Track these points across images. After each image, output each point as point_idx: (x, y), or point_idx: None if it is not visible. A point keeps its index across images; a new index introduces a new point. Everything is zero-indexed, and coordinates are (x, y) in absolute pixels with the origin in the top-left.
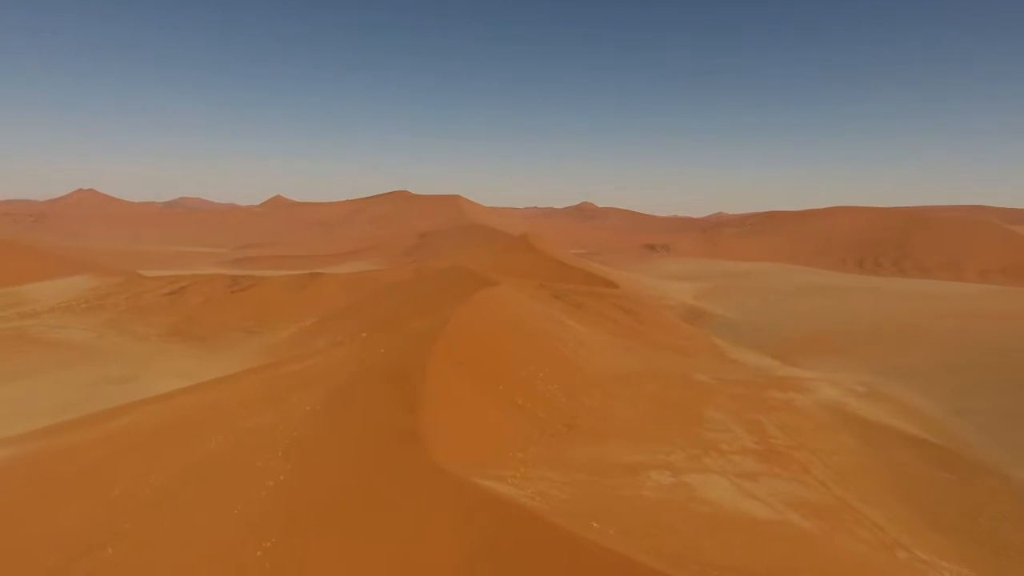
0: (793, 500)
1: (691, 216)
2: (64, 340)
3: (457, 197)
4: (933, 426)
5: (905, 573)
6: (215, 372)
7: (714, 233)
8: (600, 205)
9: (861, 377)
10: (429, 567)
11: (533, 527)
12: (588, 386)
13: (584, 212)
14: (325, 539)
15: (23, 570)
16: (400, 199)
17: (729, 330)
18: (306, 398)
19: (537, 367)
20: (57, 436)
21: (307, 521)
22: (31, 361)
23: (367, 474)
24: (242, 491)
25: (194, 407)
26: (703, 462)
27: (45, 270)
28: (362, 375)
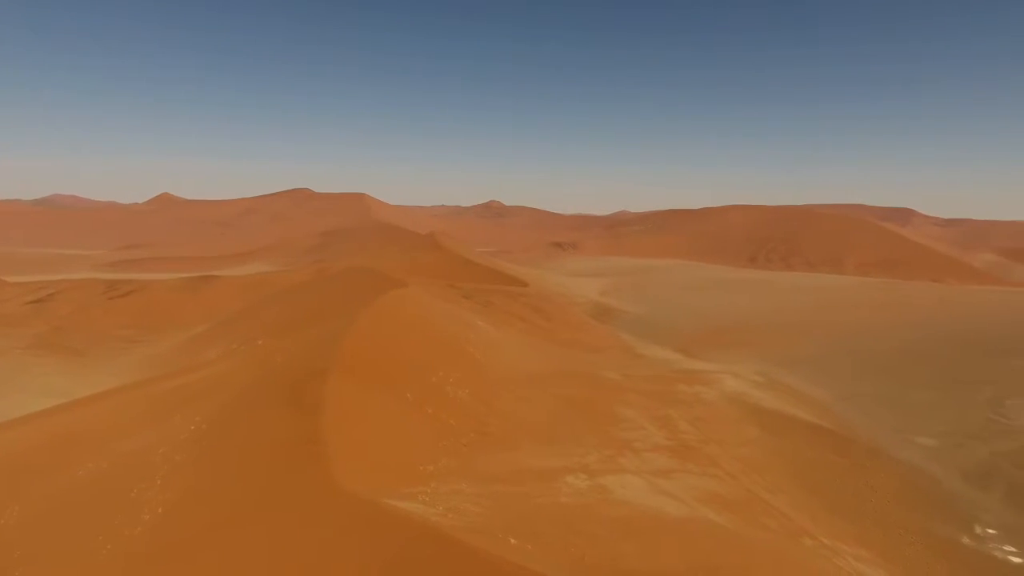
0: (705, 495)
1: (595, 214)
2: None
3: (362, 195)
4: (825, 412)
5: (812, 560)
6: (89, 388)
7: (618, 231)
8: (508, 203)
9: (759, 367)
10: None
11: (447, 549)
12: (499, 389)
13: (492, 210)
14: None
15: None
16: (300, 197)
17: (635, 326)
18: (191, 416)
19: (447, 372)
20: None
21: (190, 559)
22: None
23: (261, 500)
24: (113, 526)
25: (61, 430)
26: (618, 462)
27: None
28: (256, 388)
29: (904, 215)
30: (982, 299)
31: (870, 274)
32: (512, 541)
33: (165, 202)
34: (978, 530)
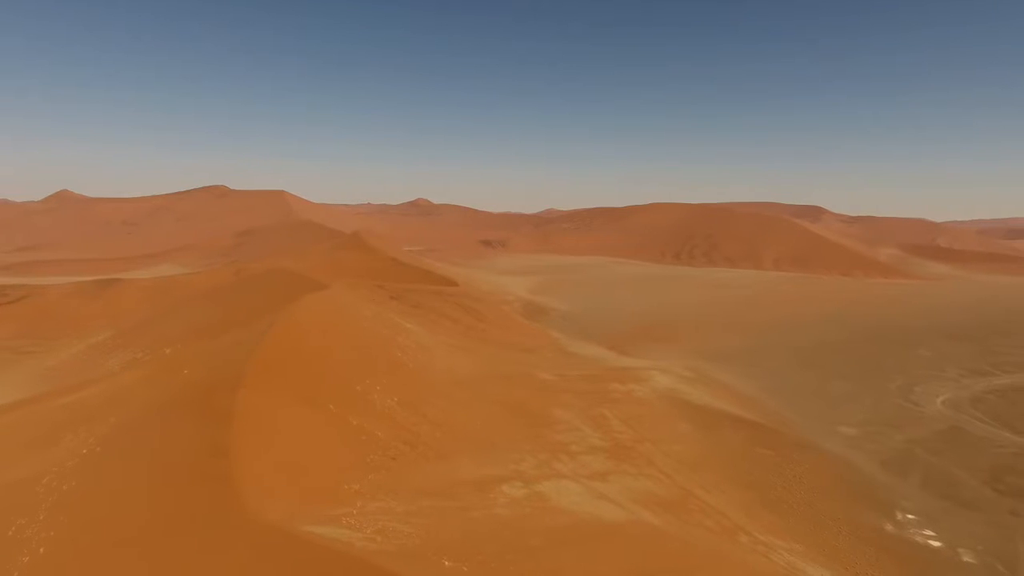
0: (643, 496)
1: (524, 212)
2: None
3: (282, 193)
4: (752, 405)
5: (748, 558)
6: None
7: (546, 228)
8: (436, 201)
9: (687, 362)
10: None
11: None
12: (430, 395)
13: (420, 208)
14: None
15: None
16: (215, 194)
17: (566, 323)
18: (84, 437)
19: (374, 379)
20: None
21: None
22: None
23: (161, 531)
24: None
25: None
26: (554, 467)
27: None
28: (160, 403)
29: (814, 212)
30: (887, 292)
31: (786, 269)
32: (446, 563)
33: (63, 200)
34: (899, 516)
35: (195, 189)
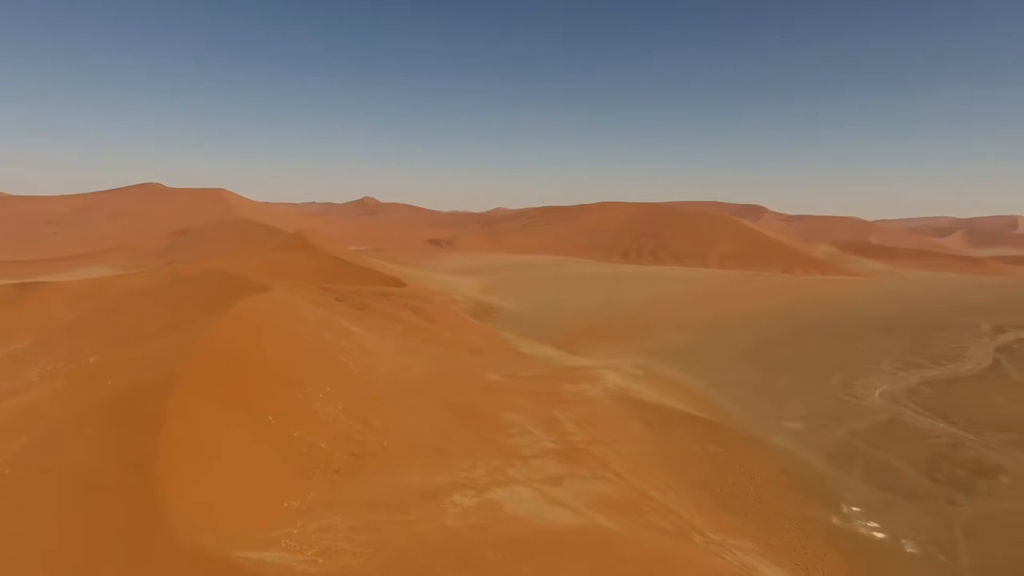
0: (597, 500)
1: (473, 211)
2: None
3: (221, 191)
4: (702, 402)
5: (703, 558)
6: None
7: (496, 227)
8: (383, 200)
9: (637, 360)
10: None
11: None
12: (377, 402)
13: (366, 207)
14: None
15: None
16: (149, 192)
17: (516, 323)
18: None
19: (316, 386)
20: None
21: None
22: None
23: (75, 563)
24: None
25: None
26: (506, 473)
27: None
28: (80, 417)
29: (755, 211)
30: (826, 288)
31: (730, 266)
32: None
33: None
34: (844, 509)
35: (127, 187)
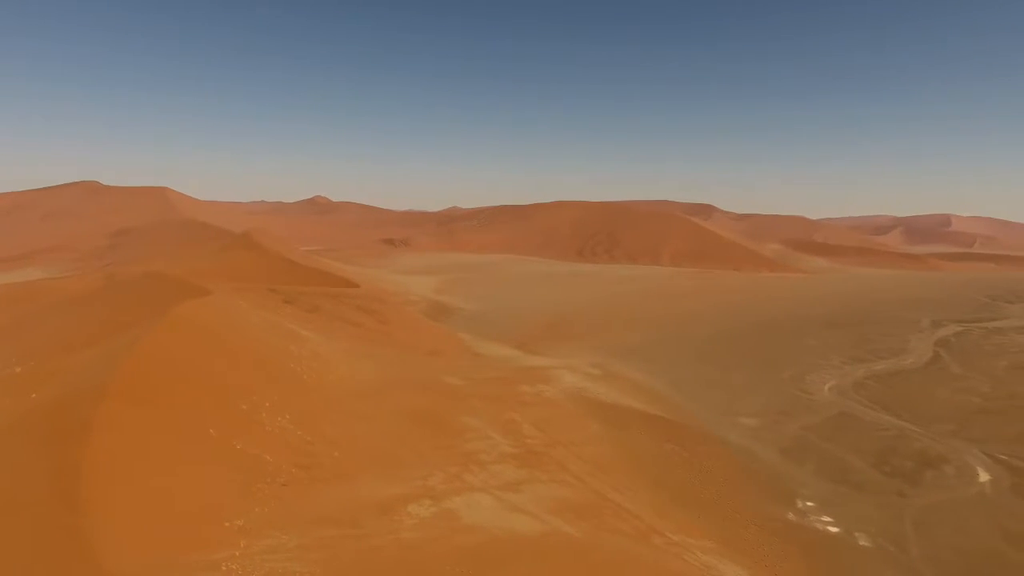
0: (557, 504)
1: (427, 210)
2: None
3: (164, 189)
4: (658, 400)
5: (664, 560)
6: None
7: (451, 226)
8: (335, 199)
9: (594, 359)
10: None
11: None
12: (328, 410)
13: (318, 206)
14: None
15: None
16: (86, 191)
17: (473, 323)
18: None
19: (262, 395)
20: None
21: None
22: None
23: None
24: None
25: None
26: (464, 480)
27: None
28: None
29: (706, 210)
30: (775, 285)
31: (682, 264)
32: None
33: None
34: (800, 504)
35: (63, 185)
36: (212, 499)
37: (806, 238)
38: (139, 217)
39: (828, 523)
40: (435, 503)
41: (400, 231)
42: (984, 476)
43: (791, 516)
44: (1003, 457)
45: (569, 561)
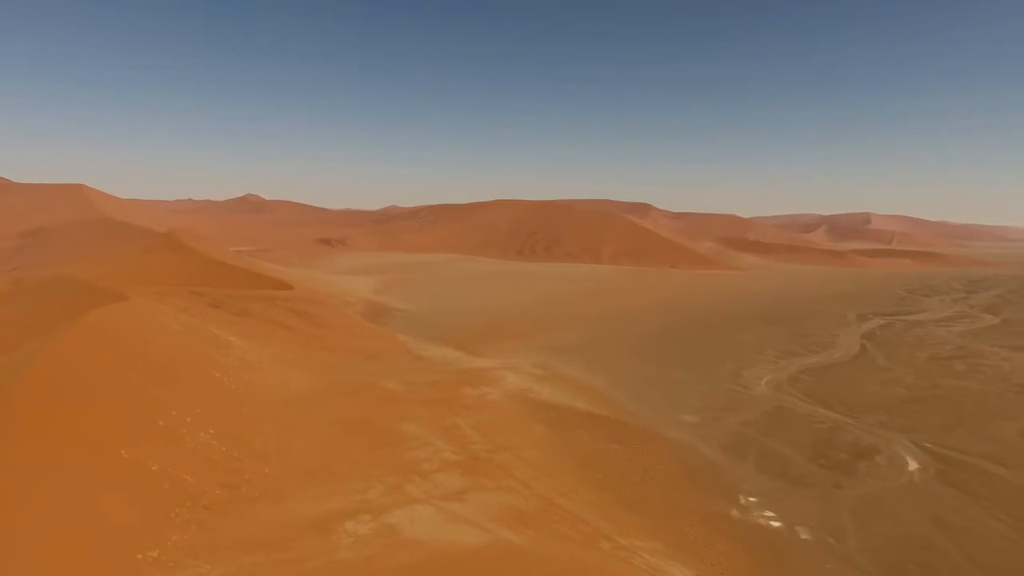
0: (502, 513)
1: (365, 209)
2: None
3: (81, 186)
4: (601, 399)
5: (611, 565)
6: None
7: (390, 226)
8: (268, 197)
9: (536, 359)
10: None
11: None
12: (257, 422)
13: (250, 205)
14: None
15: None
16: None
17: (413, 324)
18: None
19: (183, 409)
20: None
21: None
22: None
23: None
24: None
25: None
26: (406, 491)
27: None
28: None
29: (643, 209)
30: (710, 282)
31: (621, 262)
32: None
33: None
34: (742, 500)
35: None
36: (122, 528)
37: (739, 236)
38: (52, 216)
39: (770, 518)
40: (374, 518)
41: (337, 230)
42: (913, 465)
43: (735, 513)
44: (929, 446)
45: (515, 573)
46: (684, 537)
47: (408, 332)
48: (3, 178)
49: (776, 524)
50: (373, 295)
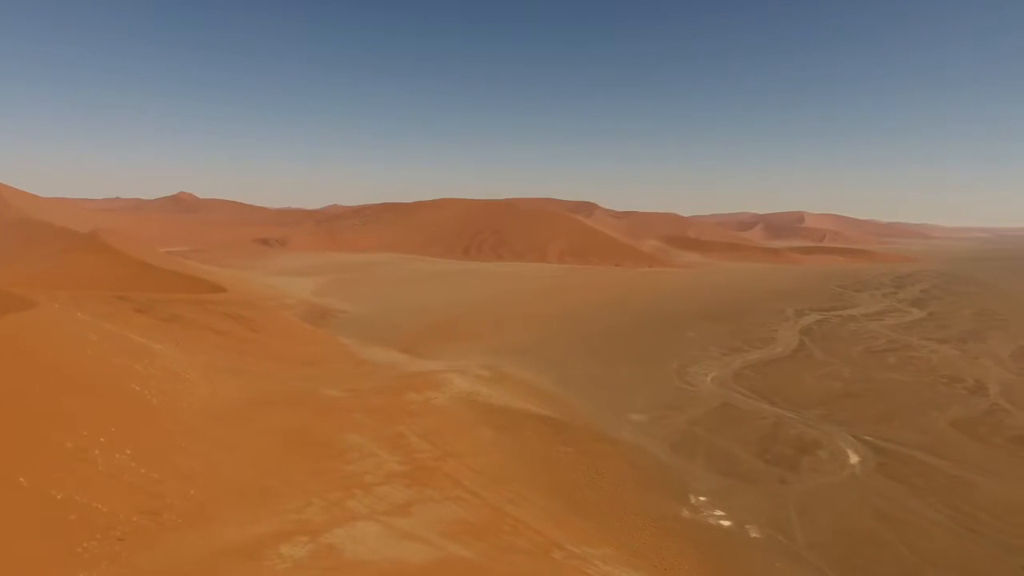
0: (451, 525)
1: (306, 208)
2: None
3: None
4: (549, 400)
5: (565, 575)
6: None
7: (331, 225)
8: (202, 196)
9: (484, 360)
10: None
11: None
12: (183, 439)
13: (183, 204)
14: None
15: None
16: None
17: (356, 326)
18: None
19: (96, 428)
20: None
21: None
22: None
23: None
24: None
25: None
26: (347, 507)
27: None
28: None
29: (588, 208)
30: (655, 280)
31: (568, 261)
32: None
33: None
34: (693, 500)
35: None
36: (19, 568)
37: (680, 234)
38: None
39: (720, 517)
40: (312, 539)
41: (276, 230)
42: (854, 458)
43: (686, 513)
44: (868, 438)
45: None
46: (636, 541)
47: (351, 335)
48: None
49: (726, 523)
50: (314, 297)
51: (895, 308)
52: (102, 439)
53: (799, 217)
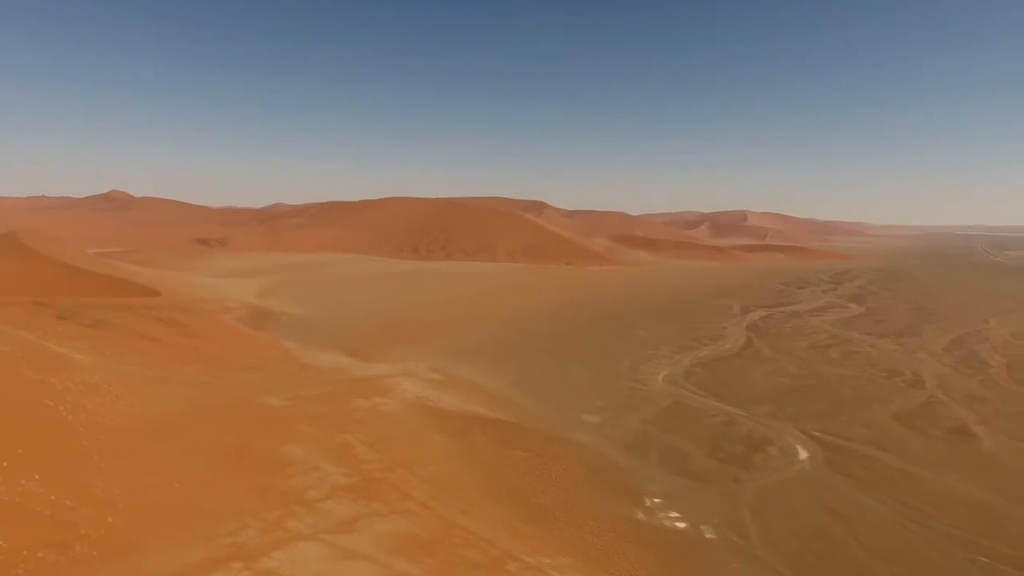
0: (399, 541)
1: (248, 207)
2: None
3: None
4: (501, 403)
5: None
6: None
7: (275, 224)
8: (137, 194)
9: (433, 363)
10: None
11: None
12: (102, 458)
13: (114, 202)
14: None
15: None
16: None
17: (300, 329)
18: None
19: (0, 453)
20: None
21: None
22: None
23: None
24: None
25: None
26: (287, 527)
27: None
28: None
29: (538, 207)
30: (605, 278)
31: (518, 260)
32: None
33: None
34: (648, 502)
35: None
36: None
37: (629, 233)
38: None
39: (676, 519)
40: (247, 565)
41: (217, 230)
42: (803, 454)
43: (641, 516)
44: (816, 433)
45: None
46: (592, 548)
47: (295, 338)
48: None
49: (681, 525)
50: (256, 299)
51: (835, 304)
52: (5, 464)
53: (743, 216)
